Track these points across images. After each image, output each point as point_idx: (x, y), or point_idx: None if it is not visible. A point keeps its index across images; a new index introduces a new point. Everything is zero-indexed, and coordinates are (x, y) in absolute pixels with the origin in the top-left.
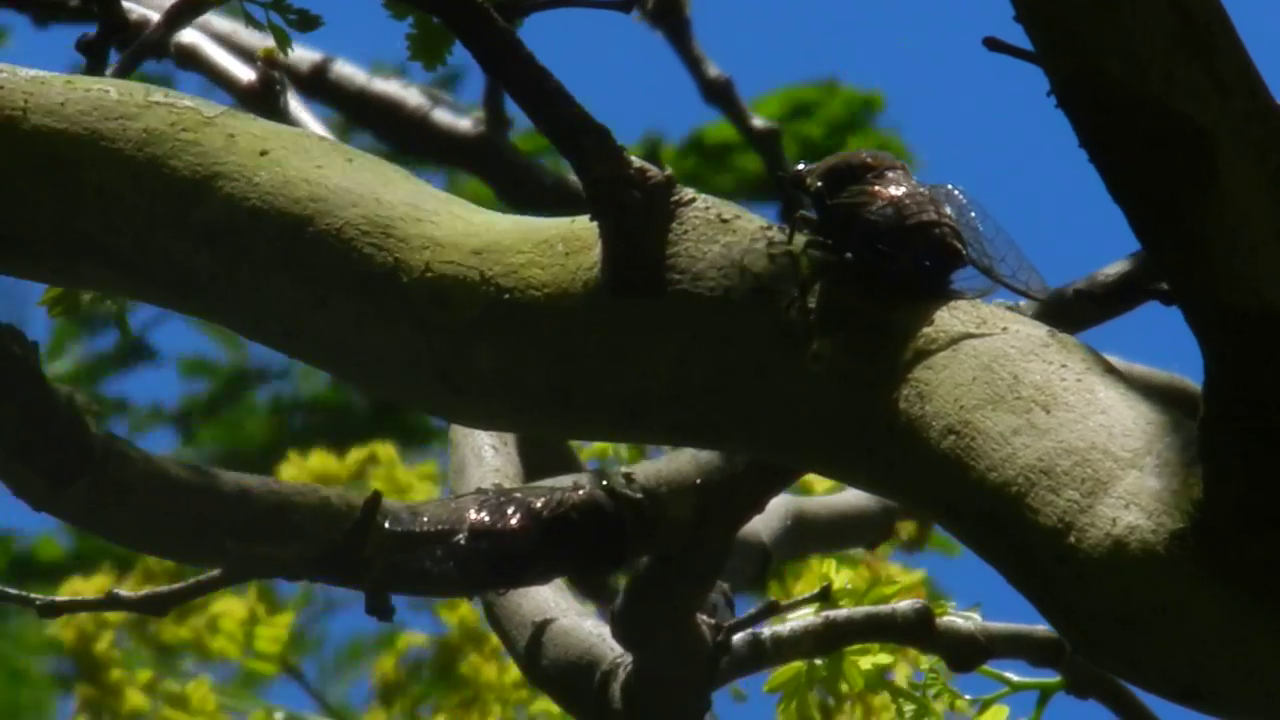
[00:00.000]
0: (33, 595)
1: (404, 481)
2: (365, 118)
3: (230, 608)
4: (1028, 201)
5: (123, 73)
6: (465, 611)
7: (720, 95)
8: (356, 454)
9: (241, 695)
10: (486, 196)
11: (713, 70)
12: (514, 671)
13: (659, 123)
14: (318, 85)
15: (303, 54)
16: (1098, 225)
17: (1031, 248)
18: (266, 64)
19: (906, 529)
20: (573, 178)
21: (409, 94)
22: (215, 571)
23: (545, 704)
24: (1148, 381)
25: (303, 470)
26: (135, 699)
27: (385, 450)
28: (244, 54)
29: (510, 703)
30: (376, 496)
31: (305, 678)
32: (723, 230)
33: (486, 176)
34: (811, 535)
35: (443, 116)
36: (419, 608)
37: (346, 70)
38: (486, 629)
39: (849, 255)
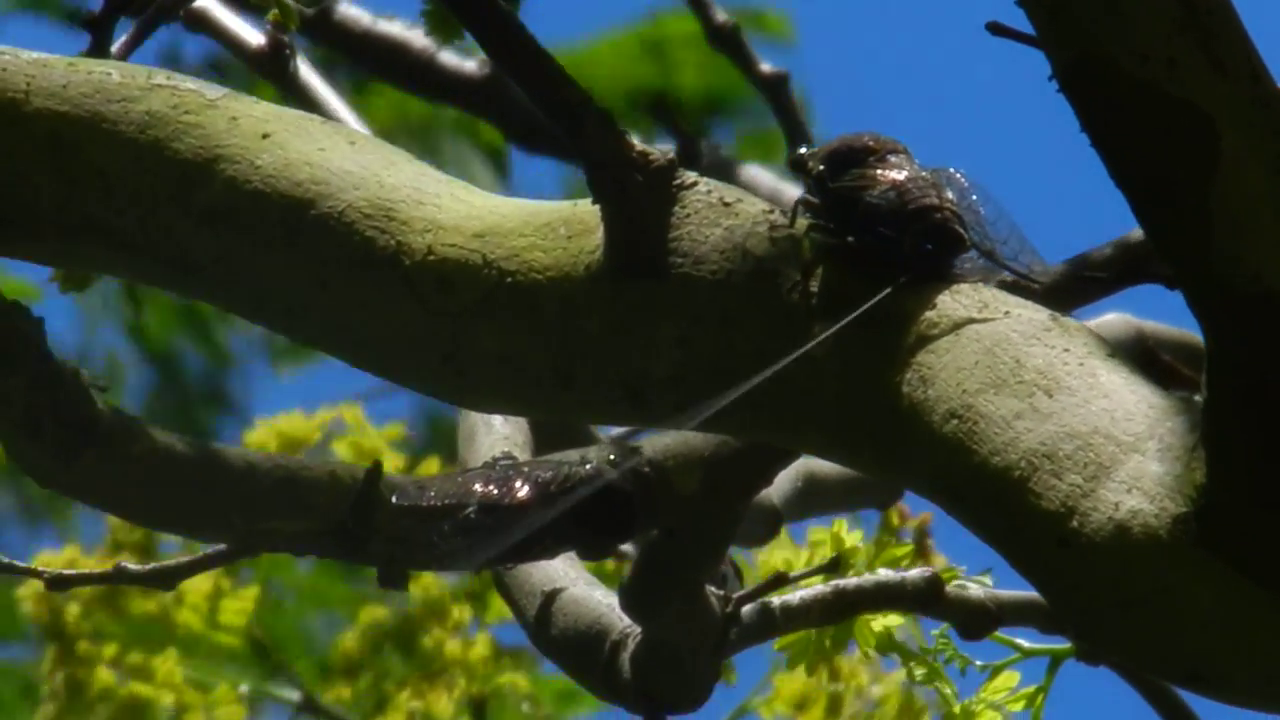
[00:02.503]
0: (41, 569)
1: (370, 447)
2: (371, 60)
3: (196, 583)
4: (1029, 185)
5: (134, 42)
6: (429, 581)
7: (728, 41)
8: (324, 415)
9: (207, 670)
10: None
11: (720, 15)
12: (480, 646)
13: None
14: (321, 28)
15: None
16: (1099, 209)
17: (1033, 231)
18: (276, 28)
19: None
20: None
21: (414, 35)
22: (221, 546)
23: (512, 677)
24: (1159, 339)
25: (271, 432)
26: (104, 676)
27: (352, 413)
28: None
29: (476, 677)
30: (377, 467)
31: (269, 653)
32: (725, 214)
33: (495, 119)
34: (822, 496)
35: (449, 59)
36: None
37: (351, 12)
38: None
39: (851, 239)
